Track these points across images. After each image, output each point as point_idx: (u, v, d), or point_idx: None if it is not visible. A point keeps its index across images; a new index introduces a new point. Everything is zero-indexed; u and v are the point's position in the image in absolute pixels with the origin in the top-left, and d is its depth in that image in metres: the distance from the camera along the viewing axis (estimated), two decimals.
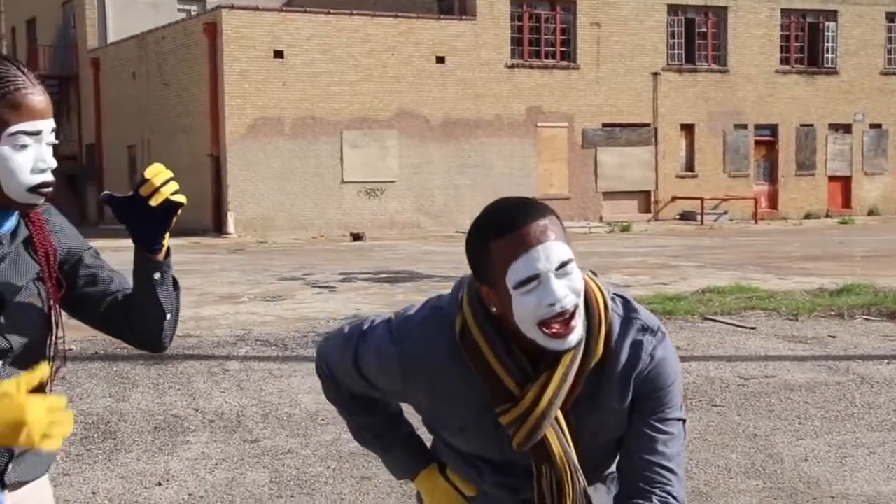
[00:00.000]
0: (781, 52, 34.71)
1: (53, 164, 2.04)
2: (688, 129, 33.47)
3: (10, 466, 2.10)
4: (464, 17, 30.51)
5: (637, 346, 2.11)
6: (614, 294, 2.17)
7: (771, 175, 35.13)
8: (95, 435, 6.84)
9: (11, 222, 2.09)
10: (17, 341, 2.05)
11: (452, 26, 30.33)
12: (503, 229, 1.97)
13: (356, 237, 26.62)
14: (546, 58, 31.71)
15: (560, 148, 31.98)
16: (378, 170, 29.62)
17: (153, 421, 7.20)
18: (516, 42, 31.23)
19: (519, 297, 1.96)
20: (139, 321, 2.17)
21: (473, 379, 2.08)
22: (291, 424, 7.19)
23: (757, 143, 34.65)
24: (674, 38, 33.30)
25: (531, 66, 31.43)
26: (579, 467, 2.11)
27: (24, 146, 1.99)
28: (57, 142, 2.07)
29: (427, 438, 2.45)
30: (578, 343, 2.02)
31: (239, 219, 27.88)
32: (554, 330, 1.96)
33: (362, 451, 6.56)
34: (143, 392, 8.01)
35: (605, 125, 32.29)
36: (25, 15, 43.10)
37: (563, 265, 1.96)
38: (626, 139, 32.40)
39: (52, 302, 2.14)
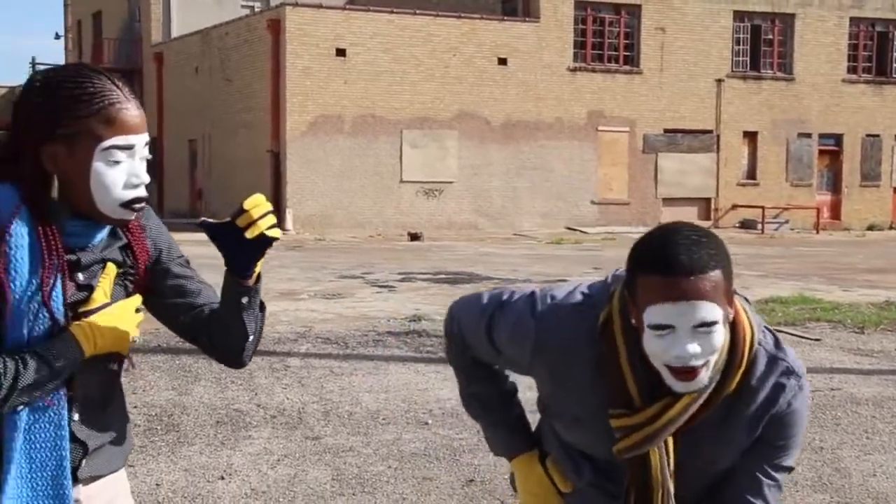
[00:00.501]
0: (849, 60, 34.20)
1: (146, 179, 2.02)
2: (751, 136, 33.10)
3: (84, 462, 2.10)
4: (527, 18, 30.42)
5: (778, 389, 2.07)
6: (765, 328, 2.11)
7: (834, 185, 34.64)
8: (158, 427, 6.88)
9: (103, 234, 2.08)
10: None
11: (515, 28, 30.25)
12: (656, 268, 1.89)
13: (414, 237, 26.63)
14: (609, 62, 31.52)
15: (621, 152, 31.77)
16: (437, 170, 29.62)
17: (215, 415, 7.23)
18: (579, 45, 31.08)
19: (650, 335, 1.92)
20: (221, 339, 2.18)
21: (600, 375, 2.06)
22: (352, 423, 7.19)
23: (821, 152, 34.18)
24: (739, 44, 32.95)
25: (593, 70, 31.26)
26: (672, 492, 2.09)
27: (117, 161, 1.97)
28: (150, 156, 2.06)
29: (533, 422, 2.45)
30: (703, 388, 1.98)
31: (297, 216, 28.02)
32: (679, 375, 1.93)
33: (424, 451, 6.54)
34: (205, 386, 8.05)
35: (666, 131, 32.03)
36: (92, 8, 43.70)
37: (703, 325, 1.89)
38: (688, 145, 32.12)
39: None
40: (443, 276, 16.68)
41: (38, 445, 2.01)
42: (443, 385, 8.28)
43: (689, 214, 31.63)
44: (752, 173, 33.26)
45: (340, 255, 20.86)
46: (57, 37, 53.70)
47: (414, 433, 6.97)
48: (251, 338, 2.16)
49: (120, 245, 2.12)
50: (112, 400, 2.18)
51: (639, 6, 31.45)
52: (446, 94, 29.57)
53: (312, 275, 16.29)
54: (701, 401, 2.01)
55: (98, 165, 1.96)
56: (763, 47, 33.28)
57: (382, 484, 5.92)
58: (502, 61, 30.10)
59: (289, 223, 27.99)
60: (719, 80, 32.36)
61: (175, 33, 36.78)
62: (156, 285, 2.19)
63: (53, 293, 1.98)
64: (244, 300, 2.10)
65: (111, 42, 40.27)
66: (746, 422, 2.08)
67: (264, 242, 2.03)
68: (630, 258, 1.96)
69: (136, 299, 2.12)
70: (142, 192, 2.02)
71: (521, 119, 30.50)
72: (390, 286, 14.92)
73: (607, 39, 31.48)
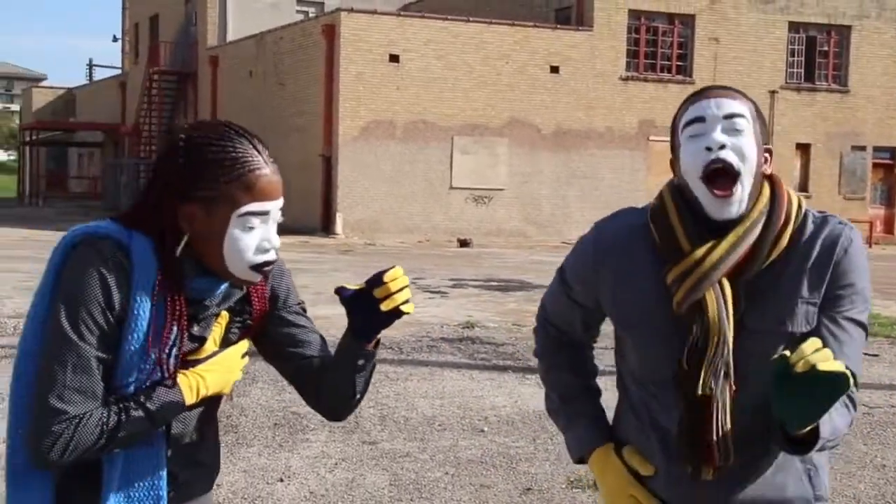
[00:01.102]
0: None
1: (277, 243, 2.04)
2: (803, 148, 32.79)
3: (174, 492, 2.12)
4: (580, 27, 30.37)
5: (832, 239, 2.18)
6: None
7: (888, 199, 34.21)
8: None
9: (223, 288, 2.09)
10: None
11: (568, 36, 30.20)
12: (692, 96, 2.20)
13: (463, 243, 26.66)
14: (661, 71, 31.38)
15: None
16: (487, 177, 29.63)
17: (273, 417, 7.30)
18: (632, 54, 30.97)
19: (685, 144, 2.13)
20: (328, 394, 2.19)
21: (655, 264, 2.19)
22: (409, 428, 7.22)
23: (875, 165, 33.78)
24: (793, 55, 32.66)
25: (646, 80, 31.13)
26: (728, 339, 2.12)
27: (251, 227, 2.00)
28: (282, 219, 2.08)
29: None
30: (741, 216, 2.12)
31: (347, 220, 28.15)
32: (716, 190, 2.08)
33: (481, 458, 6.57)
34: (262, 388, 8.12)
35: None
36: (149, 12, 44.19)
37: (731, 116, 2.10)
38: None
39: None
40: (494, 283, 16.69)
41: (135, 483, 2.03)
42: (497, 392, 8.31)
43: None
44: (804, 186, 32.93)
45: (391, 259, 20.91)
46: (115, 39, 54.45)
47: (470, 440, 6.99)
48: (358, 397, 2.18)
49: (239, 296, 2.13)
50: (208, 432, 2.21)
51: (693, 16, 31.29)
52: (498, 102, 29.58)
53: (365, 279, 16.33)
54: (747, 243, 2.12)
55: (233, 231, 1.98)
56: (818, 59, 32.96)
57: (440, 490, 5.94)
58: (554, 69, 30.06)
59: (339, 227, 28.13)
60: (773, 92, 32.10)
61: (230, 37, 37.11)
62: (269, 330, 2.21)
63: (171, 349, 2.01)
64: (360, 362, 2.12)
65: (167, 45, 40.70)
66: (807, 275, 2.16)
67: (395, 315, 2.04)
68: (672, 121, 2.24)
69: (244, 345, 2.14)
70: (272, 256, 2.03)
71: (572, 127, 30.44)
72: (442, 292, 14.95)
73: (660, 49, 31.34)
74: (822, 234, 2.17)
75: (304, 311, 2.27)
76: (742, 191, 2.10)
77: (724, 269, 2.12)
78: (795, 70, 32.75)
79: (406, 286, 2.03)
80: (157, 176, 2.03)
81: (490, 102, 29.51)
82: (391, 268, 2.05)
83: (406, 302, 2.03)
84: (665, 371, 2.18)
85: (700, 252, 2.11)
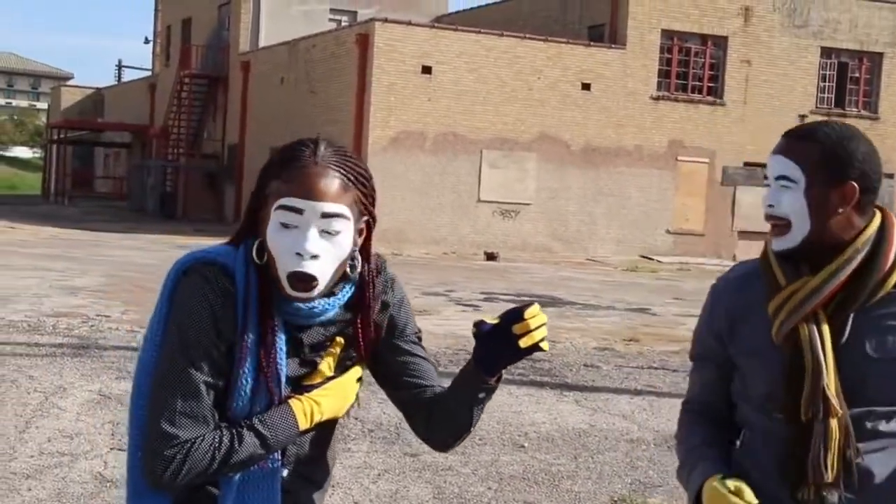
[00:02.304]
0: None
1: (314, 251, 2.00)
2: None
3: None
4: (613, 45, 30.38)
5: None
6: None
7: None
8: None
9: (333, 311, 2.09)
10: None
11: (601, 54, 30.23)
12: (779, 141, 2.36)
13: (490, 257, 26.67)
14: (692, 92, 31.36)
15: (699, 183, 31.56)
16: (515, 191, 29.65)
17: None
18: (664, 74, 30.96)
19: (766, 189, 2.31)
20: (441, 426, 2.17)
21: (766, 301, 2.29)
22: None
23: None
24: (825, 81, 32.59)
25: (676, 99, 31.12)
26: (822, 368, 2.20)
27: (286, 225, 2.00)
28: (337, 231, 2.03)
29: None
30: (785, 250, 2.25)
31: (374, 229, 28.16)
32: (773, 231, 2.28)
33: (523, 475, 6.58)
34: None
35: (746, 164, 31.76)
36: (182, 14, 44.42)
37: (781, 178, 2.24)
38: None
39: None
40: (526, 298, 16.69)
41: (250, 503, 2.06)
42: (536, 408, 8.31)
43: None
44: None
45: (420, 271, 20.94)
46: (146, 41, 54.80)
47: (511, 455, 7.00)
48: (472, 430, 2.17)
49: (350, 322, 2.12)
50: (324, 454, 2.22)
51: (725, 38, 31.26)
52: (528, 116, 29.62)
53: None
54: (840, 276, 2.21)
55: (273, 225, 1.98)
56: (849, 85, 32.88)
57: None
58: (586, 86, 30.08)
59: None
60: (802, 116, 32.00)
61: (262, 43, 37.27)
62: (385, 358, 2.20)
63: (281, 373, 2.02)
64: (481, 395, 2.09)
65: (199, 49, 40.91)
66: None
67: (528, 351, 2.02)
68: None
69: (357, 371, 2.15)
70: (306, 267, 1.97)
71: (602, 145, 30.44)
72: (474, 305, 14.97)
73: (692, 70, 31.32)
74: None
75: (420, 340, 2.27)
76: (794, 233, 2.25)
77: (817, 300, 2.21)
78: (826, 95, 32.68)
79: (544, 323, 2.00)
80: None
81: (520, 117, 29.55)
82: (529, 304, 2.02)
83: (543, 339, 2.01)
84: (777, 386, 2.27)
85: (794, 285, 2.24)
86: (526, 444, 7.30)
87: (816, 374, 2.19)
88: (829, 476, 2.21)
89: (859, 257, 2.23)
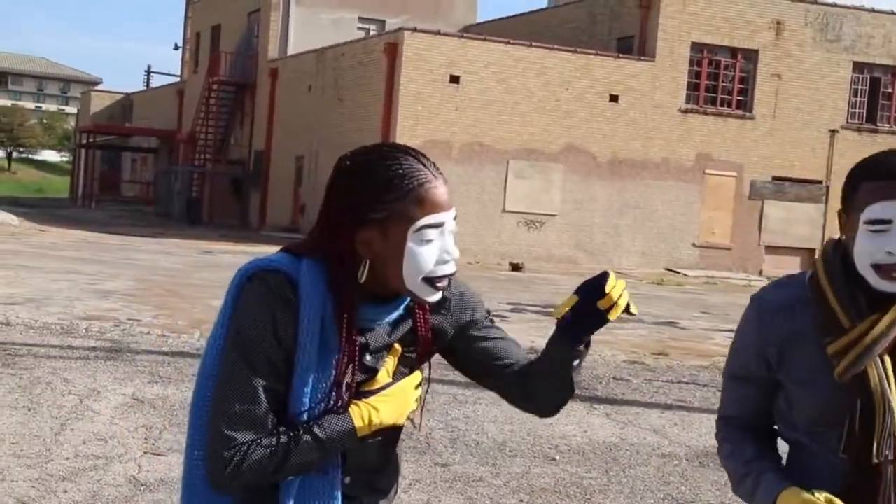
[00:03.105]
0: None
1: (457, 254, 2.04)
2: None
3: None
4: (642, 57, 30.35)
5: None
6: None
7: None
8: None
9: (395, 314, 2.11)
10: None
11: (630, 66, 30.19)
12: (884, 174, 2.16)
13: (515, 267, 26.65)
14: (721, 105, 31.28)
15: (726, 197, 31.45)
16: (540, 202, 29.64)
17: None
18: (692, 87, 30.89)
19: (864, 234, 2.16)
20: (543, 396, 2.19)
21: (817, 333, 2.24)
22: (480, 452, 7.23)
23: None
24: (856, 96, 32.43)
25: (705, 113, 31.04)
26: (894, 408, 2.18)
27: (429, 240, 2.00)
28: (456, 230, 2.07)
29: None
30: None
31: None
32: (884, 273, 2.15)
33: (554, 488, 6.57)
34: None
35: (775, 178, 31.63)
36: (211, 21, 44.69)
37: None
38: (796, 194, 31.68)
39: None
40: (553, 309, 16.65)
41: None
42: (567, 421, 8.29)
43: (792, 264, 31.17)
44: None
45: None
46: (176, 47, 55.06)
47: (542, 468, 6.99)
48: (570, 393, 2.17)
49: (409, 327, 2.14)
50: (388, 462, 2.22)
51: (756, 51, 31.17)
52: (555, 127, 29.61)
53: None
54: None
55: (411, 246, 1.99)
56: (881, 100, 32.71)
57: None
58: (614, 98, 30.05)
59: None
60: (833, 131, 31.88)
61: (291, 51, 37.43)
62: (464, 351, 2.22)
63: (342, 379, 2.04)
64: (576, 362, 2.12)
65: (228, 55, 41.12)
66: None
67: (600, 318, 2.04)
68: (852, 173, 2.23)
69: (417, 376, 2.15)
70: (451, 267, 2.04)
71: (628, 157, 30.39)
72: (502, 316, 14.94)
73: (721, 83, 31.23)
74: None
75: (493, 322, 2.28)
76: None
77: (885, 343, 2.19)
78: (857, 110, 32.51)
79: (625, 288, 2.02)
80: (330, 203, 2.05)
81: (547, 128, 29.55)
82: (605, 276, 2.02)
83: (629, 304, 2.02)
84: (828, 418, 2.25)
85: (863, 327, 2.19)
86: (557, 457, 7.29)
87: (890, 418, 2.19)
88: None
89: None
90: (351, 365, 2.04)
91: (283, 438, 1.99)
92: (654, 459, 7.38)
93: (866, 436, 2.20)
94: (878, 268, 2.16)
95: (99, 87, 78.85)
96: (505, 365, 2.22)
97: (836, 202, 31.94)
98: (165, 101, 50.67)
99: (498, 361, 2.22)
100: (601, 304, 2.00)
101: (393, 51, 28.74)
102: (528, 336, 12.34)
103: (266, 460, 1.98)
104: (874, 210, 2.14)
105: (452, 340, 2.22)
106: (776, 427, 2.44)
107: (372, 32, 36.22)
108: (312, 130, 33.76)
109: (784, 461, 2.42)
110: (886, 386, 2.19)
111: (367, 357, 2.08)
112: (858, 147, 32.11)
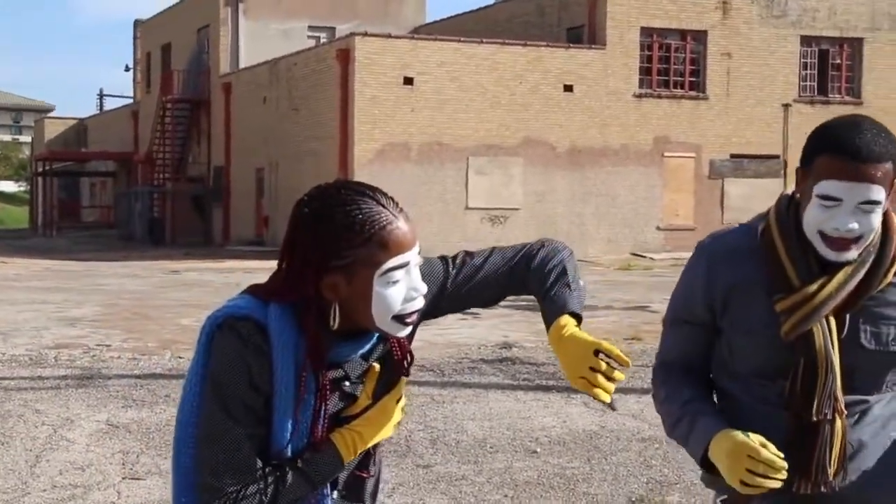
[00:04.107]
0: None
1: (424, 288, 2.04)
2: None
3: None
4: (593, 45, 30.46)
5: None
6: None
7: None
8: None
9: (371, 343, 2.11)
10: None
11: (581, 55, 30.29)
12: (843, 151, 2.16)
13: None
14: (674, 87, 31.45)
15: (686, 178, 31.63)
16: (502, 197, 29.68)
17: None
18: (645, 72, 31.04)
19: (815, 205, 2.18)
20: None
21: (766, 283, 2.28)
22: (461, 451, 7.22)
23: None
24: (806, 69, 32.71)
25: (659, 96, 31.21)
26: (836, 369, 2.22)
27: (396, 281, 1.98)
28: (422, 261, 2.07)
29: None
30: (854, 260, 2.21)
31: None
32: (831, 244, 2.19)
33: (538, 480, 6.57)
34: None
35: (733, 156, 31.85)
36: (161, 40, 44.41)
37: (868, 203, 2.15)
38: (755, 170, 31.90)
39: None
40: (523, 303, 16.65)
41: None
42: (545, 413, 8.30)
43: None
44: None
45: None
46: (127, 69, 54.71)
47: (524, 462, 6.99)
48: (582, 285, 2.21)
49: (386, 348, 2.14)
50: (374, 468, 2.22)
51: (705, 32, 31.36)
52: (512, 122, 29.66)
53: None
54: (856, 280, 2.21)
55: (378, 290, 1.98)
56: (831, 72, 33.00)
57: None
58: (568, 88, 30.14)
59: None
60: (786, 105, 32.15)
61: (243, 64, 37.27)
62: (452, 305, 2.25)
63: (320, 416, 2.04)
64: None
65: (180, 73, 40.88)
66: None
67: None
68: (815, 139, 2.23)
69: (398, 390, 2.15)
70: (419, 303, 2.04)
71: (587, 145, 30.49)
72: (473, 313, 14.93)
73: (673, 65, 31.41)
74: None
75: (459, 260, 2.27)
76: (858, 249, 2.21)
77: (833, 305, 2.23)
78: (808, 83, 32.80)
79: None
80: (292, 251, 2.03)
81: (504, 122, 29.59)
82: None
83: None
84: (770, 370, 2.30)
85: (810, 289, 2.22)
86: (538, 450, 7.29)
87: (831, 378, 2.23)
88: (831, 473, 2.26)
89: (871, 259, 2.25)
90: (324, 404, 2.04)
91: (271, 480, 2.00)
92: (634, 444, 7.40)
93: (807, 394, 2.23)
94: (823, 236, 2.19)
95: (52, 114, 78.19)
96: (497, 283, 2.24)
97: (792, 176, 32.15)
98: (120, 124, 50.31)
99: (489, 280, 2.23)
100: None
101: (345, 57, 28.68)
102: (499, 331, 12.38)
103: (256, 503, 1.99)
104: (826, 187, 2.17)
105: (434, 310, 2.22)
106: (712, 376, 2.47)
107: (322, 40, 36.15)
108: (270, 142, 33.64)
109: None
110: (830, 347, 2.22)
111: (347, 385, 2.09)
112: (812, 120, 32.35)
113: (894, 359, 2.28)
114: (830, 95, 33.00)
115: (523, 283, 2.23)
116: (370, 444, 2.09)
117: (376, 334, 2.09)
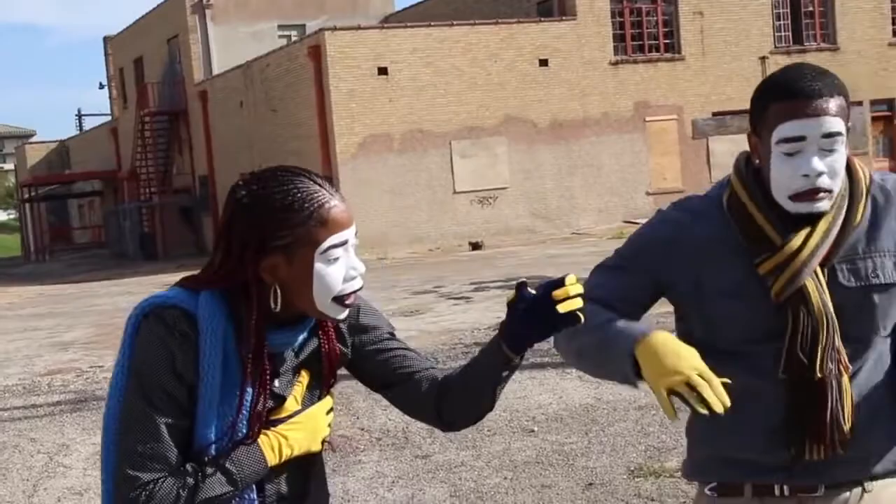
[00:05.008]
0: (893, 24, 33.69)
1: (362, 268, 2.02)
2: None
3: None
4: (564, 17, 30.31)
5: None
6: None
7: (891, 150, 34.12)
8: None
9: (301, 338, 2.08)
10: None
11: (553, 28, 30.16)
12: (789, 93, 2.11)
13: (475, 246, 26.63)
14: (650, 51, 31.33)
15: (671, 141, 31.56)
16: (489, 178, 29.59)
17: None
18: (619, 38, 30.92)
19: (778, 158, 2.11)
20: (460, 408, 2.12)
21: (737, 246, 2.19)
22: (459, 437, 7.18)
23: (874, 119, 33.68)
24: (780, 19, 32.57)
25: (635, 61, 31.09)
26: (835, 321, 2.14)
27: (336, 259, 1.98)
28: (357, 241, 2.05)
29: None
30: (826, 210, 2.14)
31: None
32: (802, 199, 2.11)
33: (537, 459, 6.53)
34: None
35: (715, 114, 31.76)
36: (132, 55, 44.20)
37: (829, 135, 2.08)
38: (738, 126, 31.77)
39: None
40: (515, 282, 16.63)
41: None
42: (540, 390, 8.27)
43: None
44: None
45: (407, 271, 20.87)
46: (101, 86, 54.48)
47: (522, 441, 6.96)
48: (493, 407, 2.11)
49: (314, 349, 2.11)
50: (307, 491, 2.15)
51: None
52: (491, 102, 29.54)
53: (385, 294, 16.29)
54: (837, 227, 2.15)
55: (319, 268, 1.97)
56: (804, 20, 32.89)
57: (501, 496, 5.91)
58: (543, 62, 30.02)
59: None
60: (763, 58, 32.03)
61: (216, 70, 37.11)
62: (365, 365, 2.18)
63: (249, 409, 2.00)
64: (505, 373, 2.06)
65: (154, 86, 40.71)
66: (890, 226, 2.21)
67: (562, 322, 1.95)
68: (759, 94, 2.17)
69: (328, 402, 2.12)
70: (358, 283, 2.03)
71: (568, 118, 30.39)
72: (466, 297, 14.90)
73: (646, 29, 31.28)
74: (892, 192, 2.23)
75: (394, 336, 2.22)
76: (830, 199, 2.14)
77: (821, 255, 2.15)
78: (783, 34, 32.68)
79: (581, 294, 1.95)
80: (230, 236, 2.00)
81: (483, 103, 29.48)
82: (566, 276, 1.98)
83: (580, 310, 1.94)
84: (759, 333, 2.18)
85: (796, 243, 2.14)
86: (535, 428, 7.26)
87: (833, 331, 2.14)
88: (847, 430, 2.16)
89: (846, 203, 2.18)
90: (260, 394, 2.00)
91: (190, 474, 1.95)
92: (631, 413, 7.36)
93: (807, 351, 2.14)
94: (796, 197, 2.12)
95: (33, 140, 77.97)
96: (409, 374, 2.16)
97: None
98: (101, 142, 50.14)
99: (401, 370, 2.17)
100: (557, 294, 1.94)
101: (317, 53, 28.53)
102: (492, 314, 12.32)
103: (174, 496, 1.93)
104: (785, 129, 2.10)
105: (354, 354, 2.18)
106: None
107: (293, 38, 35.98)
108: (252, 146, 33.52)
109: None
110: (826, 298, 2.14)
111: (276, 383, 2.05)
112: None
113: (879, 295, 2.18)
114: (806, 44, 32.89)
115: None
116: (298, 453, 2.04)
117: (308, 326, 2.06)
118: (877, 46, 33.40)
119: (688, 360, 1.98)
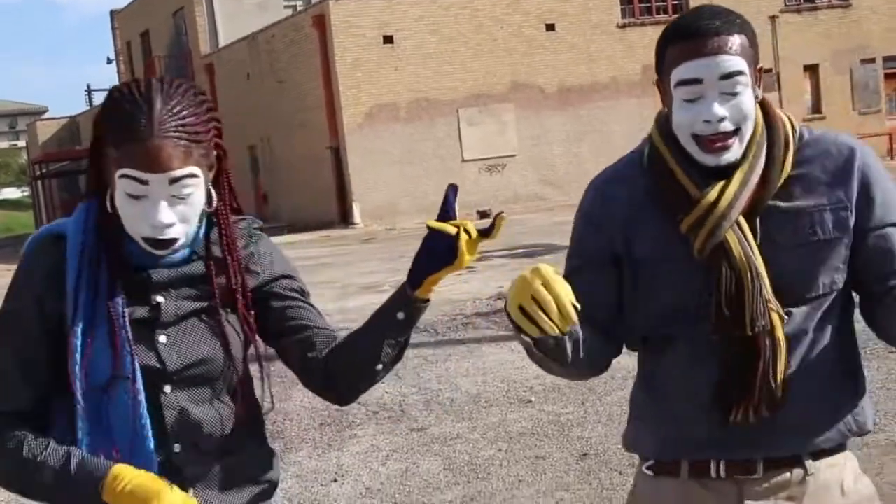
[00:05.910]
0: None
1: (166, 220, 1.89)
2: (811, 69, 32.38)
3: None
4: None
5: (842, 145, 2.12)
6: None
7: None
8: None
9: (182, 255, 1.98)
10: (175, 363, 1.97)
11: None
12: (683, 34, 2.03)
13: (483, 215, 26.47)
14: (658, 13, 31.04)
15: None
16: (497, 145, 29.45)
17: (318, 417, 7.22)
18: (626, 1, 30.64)
19: (679, 103, 2.02)
20: (343, 369, 2.02)
21: (661, 203, 2.11)
22: (455, 409, 7.14)
23: (887, 76, 33.35)
24: None
25: (643, 24, 30.81)
26: (762, 272, 2.04)
27: (133, 196, 1.91)
28: (188, 194, 1.91)
29: None
30: (737, 159, 2.04)
31: (364, 208, 28.05)
32: (707, 146, 2.02)
33: (532, 430, 6.48)
34: (303, 389, 7.98)
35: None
36: (139, 28, 44.14)
37: (728, 76, 1.98)
38: None
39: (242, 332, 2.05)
40: (520, 250, 16.55)
41: None
42: None
43: None
44: (816, 107, 32.58)
45: (415, 241, 20.39)
46: (109, 61, 54.40)
47: (518, 413, 6.91)
48: (379, 367, 1.99)
49: (201, 271, 2.00)
50: (230, 450, 2.07)
51: None
52: (498, 68, 29.35)
53: (391, 265, 16.20)
54: (756, 175, 2.05)
55: (119, 193, 1.88)
56: None
57: (496, 467, 5.86)
58: (550, 27, 29.79)
59: (356, 216, 28.05)
60: (773, 17, 31.70)
61: (222, 43, 36.98)
62: (261, 308, 2.07)
63: (121, 318, 1.92)
64: (400, 315, 1.96)
65: (161, 59, 40.62)
66: (826, 184, 2.10)
67: (450, 256, 1.94)
68: (660, 39, 2.09)
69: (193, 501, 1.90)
70: (165, 235, 1.88)
71: (576, 83, 30.18)
72: (469, 267, 14.80)
73: None
74: (827, 144, 2.13)
75: (303, 293, 2.12)
76: (741, 143, 2.04)
77: (741, 206, 2.04)
78: None
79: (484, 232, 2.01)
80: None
81: (490, 70, 29.29)
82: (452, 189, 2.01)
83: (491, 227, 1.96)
84: (690, 302, 2.09)
85: (712, 195, 2.04)
86: (532, 399, 7.21)
87: (759, 284, 2.03)
88: (778, 392, 2.05)
89: (763, 151, 2.07)
90: (135, 305, 1.93)
91: (41, 443, 1.90)
92: (629, 382, 7.24)
93: (735, 308, 2.03)
94: (697, 139, 2.02)
95: (44, 116, 78.08)
96: (304, 325, 2.06)
97: (787, 87, 31.88)
98: None
99: (297, 321, 2.06)
100: (449, 227, 1.94)
101: (321, 22, 28.38)
102: (494, 283, 12.25)
103: (13, 451, 1.89)
104: (681, 71, 2.00)
105: (256, 295, 2.06)
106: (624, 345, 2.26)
107: (299, 8, 35.77)
108: (259, 118, 33.43)
109: (640, 383, 2.28)
110: (750, 251, 2.04)
111: (154, 297, 1.95)
112: (802, 28, 32.00)
113: (819, 251, 2.08)
114: (818, 1, 32.53)
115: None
116: (135, 501, 1.84)
117: (189, 238, 1.95)
118: (890, 2, 33.00)
119: (526, 288, 1.92)
